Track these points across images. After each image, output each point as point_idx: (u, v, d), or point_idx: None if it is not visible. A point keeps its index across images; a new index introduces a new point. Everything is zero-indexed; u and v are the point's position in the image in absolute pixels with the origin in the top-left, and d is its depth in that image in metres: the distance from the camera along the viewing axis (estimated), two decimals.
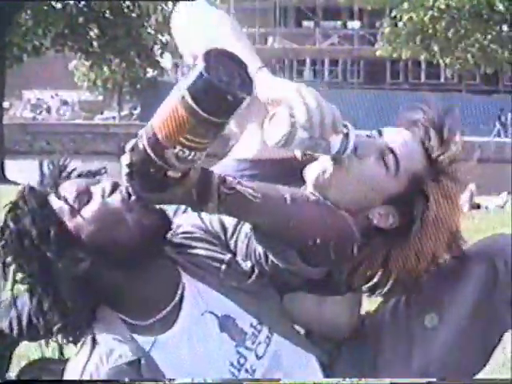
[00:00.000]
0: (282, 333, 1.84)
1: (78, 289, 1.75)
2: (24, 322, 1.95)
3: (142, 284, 1.76)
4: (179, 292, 1.79)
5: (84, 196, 1.74)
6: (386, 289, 1.91)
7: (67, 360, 1.82)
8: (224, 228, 1.85)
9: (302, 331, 1.98)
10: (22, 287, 1.79)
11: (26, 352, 2.35)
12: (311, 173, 1.86)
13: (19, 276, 1.75)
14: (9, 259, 1.74)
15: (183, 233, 1.88)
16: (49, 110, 38.61)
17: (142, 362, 1.74)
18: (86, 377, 1.73)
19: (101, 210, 1.72)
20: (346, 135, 1.76)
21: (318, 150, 1.77)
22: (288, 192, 1.71)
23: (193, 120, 1.49)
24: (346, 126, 1.76)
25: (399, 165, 1.86)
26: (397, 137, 1.90)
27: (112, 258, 1.72)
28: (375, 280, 1.91)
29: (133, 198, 1.69)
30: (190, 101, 1.48)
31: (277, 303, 1.90)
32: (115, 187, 1.74)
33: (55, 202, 1.75)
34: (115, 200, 1.73)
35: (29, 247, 1.72)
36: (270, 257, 1.76)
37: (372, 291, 1.93)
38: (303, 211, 1.73)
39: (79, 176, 1.83)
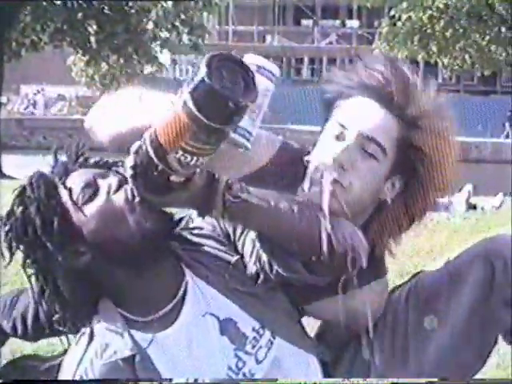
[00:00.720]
0: (285, 336, 1.82)
1: (78, 282, 1.75)
2: (29, 322, 1.95)
3: (143, 282, 1.76)
4: (181, 290, 1.78)
5: (90, 188, 1.74)
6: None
7: (50, 358, 1.82)
8: (234, 228, 1.84)
9: (311, 333, 1.97)
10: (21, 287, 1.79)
11: (19, 347, 2.33)
12: (324, 205, 1.79)
13: (27, 261, 1.76)
14: (14, 244, 1.74)
15: (193, 228, 1.87)
16: (35, 106, 38.24)
17: (137, 359, 1.73)
18: (80, 371, 1.73)
19: (104, 207, 1.72)
20: (258, 67, 1.63)
21: (267, 103, 1.66)
22: (296, 203, 1.70)
23: (194, 125, 1.48)
24: (255, 66, 1.63)
25: (383, 147, 1.83)
26: (363, 117, 1.85)
27: (113, 255, 1.72)
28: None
29: (137, 198, 1.68)
30: (191, 106, 1.47)
31: (282, 307, 1.87)
32: (121, 184, 1.73)
33: (63, 192, 1.75)
34: (119, 199, 1.72)
35: (32, 235, 1.72)
36: (274, 266, 1.75)
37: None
38: (310, 223, 1.70)
39: (96, 164, 1.82)
